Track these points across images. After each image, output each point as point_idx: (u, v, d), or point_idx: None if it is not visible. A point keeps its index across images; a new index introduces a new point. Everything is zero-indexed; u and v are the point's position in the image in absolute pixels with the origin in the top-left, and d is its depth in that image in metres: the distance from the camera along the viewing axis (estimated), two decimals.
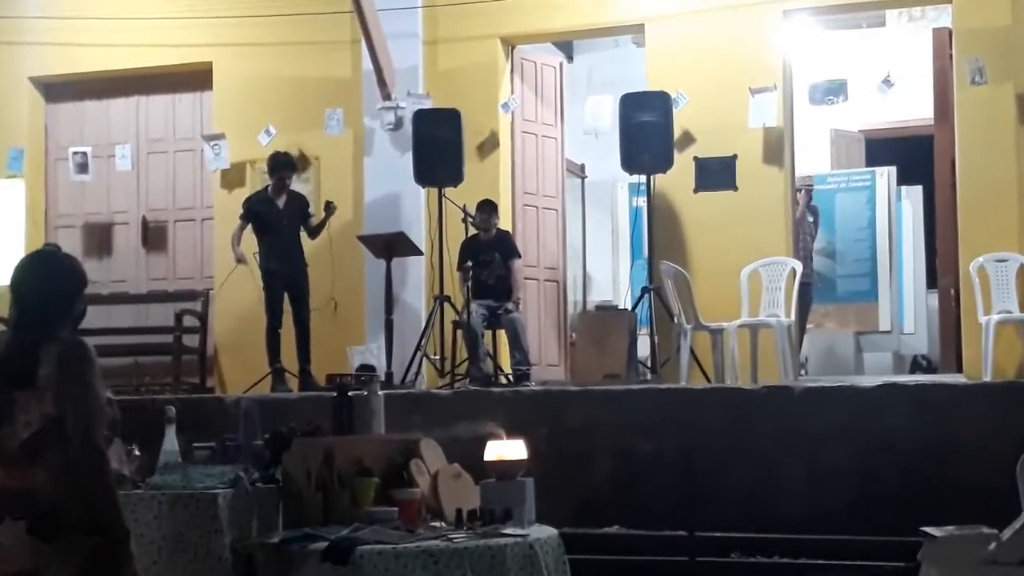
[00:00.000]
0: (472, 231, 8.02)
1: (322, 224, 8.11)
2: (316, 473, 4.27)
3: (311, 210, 8.15)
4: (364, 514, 4.14)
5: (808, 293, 9.04)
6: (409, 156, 8.23)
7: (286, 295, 7.99)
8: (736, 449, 6.03)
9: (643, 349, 8.18)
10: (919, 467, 5.92)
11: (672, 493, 6.05)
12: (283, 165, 8.10)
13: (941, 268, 9.19)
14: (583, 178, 11.23)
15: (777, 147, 8.30)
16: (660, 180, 8.24)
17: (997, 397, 6.03)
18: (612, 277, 10.92)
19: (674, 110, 8.02)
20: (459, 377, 7.71)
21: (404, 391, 6.87)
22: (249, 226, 8.06)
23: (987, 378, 7.04)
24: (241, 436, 4.61)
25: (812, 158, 10.42)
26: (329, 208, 8.08)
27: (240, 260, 8.04)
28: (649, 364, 8.04)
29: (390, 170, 8.56)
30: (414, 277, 8.48)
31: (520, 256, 8.10)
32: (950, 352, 8.88)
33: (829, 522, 5.81)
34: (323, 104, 8.84)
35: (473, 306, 7.63)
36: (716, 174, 8.32)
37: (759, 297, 7.92)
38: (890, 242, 10.07)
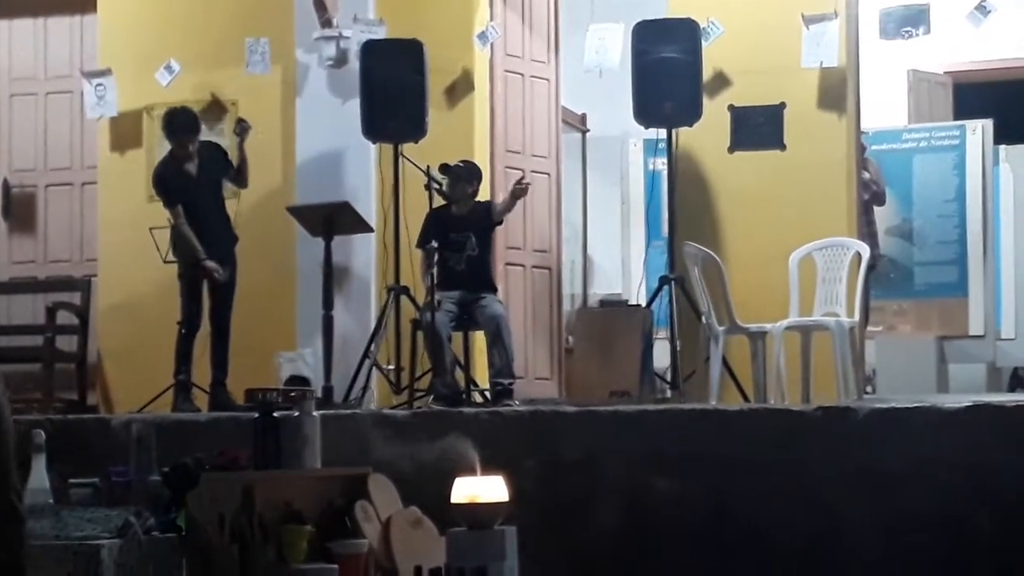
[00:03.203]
0: (440, 201, 8.04)
1: (243, 162, 8.09)
2: (231, 519, 4.27)
3: (230, 158, 8.16)
4: (294, 573, 4.14)
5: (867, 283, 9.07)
6: (355, 102, 8.23)
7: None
8: (784, 491, 6.04)
9: (662, 358, 8.20)
10: (1019, 513, 5.95)
11: (699, 550, 6.07)
12: (182, 128, 8.07)
13: None
14: (584, 132, 11.24)
15: (838, 93, 8.33)
16: (685, 136, 8.26)
17: None
18: (622, 263, 10.95)
19: (703, 44, 8.03)
20: (420, 393, 7.72)
21: (347, 411, 6.87)
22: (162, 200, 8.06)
23: None
24: (132, 469, 4.60)
25: (884, 108, 10.44)
26: (242, 128, 8.05)
27: (213, 271, 7.94)
28: (669, 378, 8.06)
29: (330, 120, 8.56)
30: (361, 261, 8.48)
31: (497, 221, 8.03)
32: None
33: None
34: (243, 32, 8.81)
35: (439, 300, 7.62)
36: (758, 128, 8.35)
37: (812, 291, 7.95)
38: (984, 219, 10.11)
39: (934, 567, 5.90)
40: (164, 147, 8.32)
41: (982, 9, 9.47)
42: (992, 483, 5.97)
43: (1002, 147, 10.46)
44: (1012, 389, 10.08)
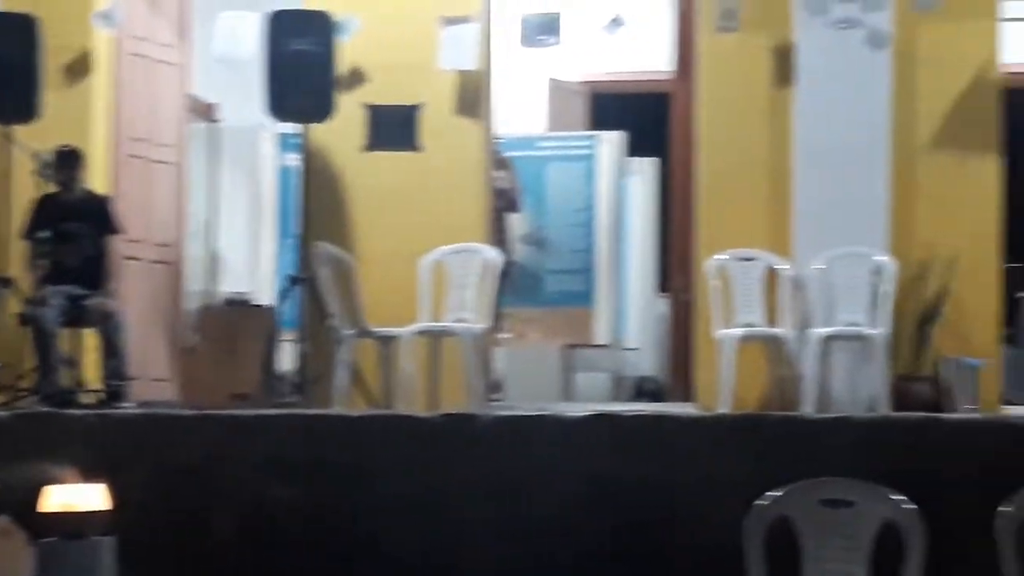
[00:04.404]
0: (52, 188, 7.75)
1: None
2: None
3: None
4: None
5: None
6: None
7: None
8: (407, 496, 6.08)
9: (289, 361, 8.13)
10: (639, 521, 6.17)
11: (319, 557, 6.03)
12: None
13: (674, 266, 9.67)
14: (214, 122, 11.05)
15: (474, 98, 8.46)
16: (319, 132, 8.22)
17: (731, 434, 6.38)
18: (252, 261, 10.80)
19: (340, 38, 8.01)
20: (23, 393, 7.46)
21: None
22: None
23: (724, 409, 7.45)
24: None
25: (525, 115, 10.70)
26: None
27: None
28: (296, 381, 8.00)
29: None
30: None
31: (121, 232, 7.86)
32: (680, 374, 9.36)
33: None
34: None
35: (47, 294, 7.41)
36: (393, 128, 8.39)
37: (443, 296, 8.05)
38: (613, 230, 10.47)
39: (555, 568, 6.05)
40: None
41: (617, 22, 9.87)
42: (612, 492, 6.18)
43: (634, 159, 10.86)
44: (636, 399, 10.45)
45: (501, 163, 9.89)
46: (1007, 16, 8.21)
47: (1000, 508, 4.57)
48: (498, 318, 9.16)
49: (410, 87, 8.41)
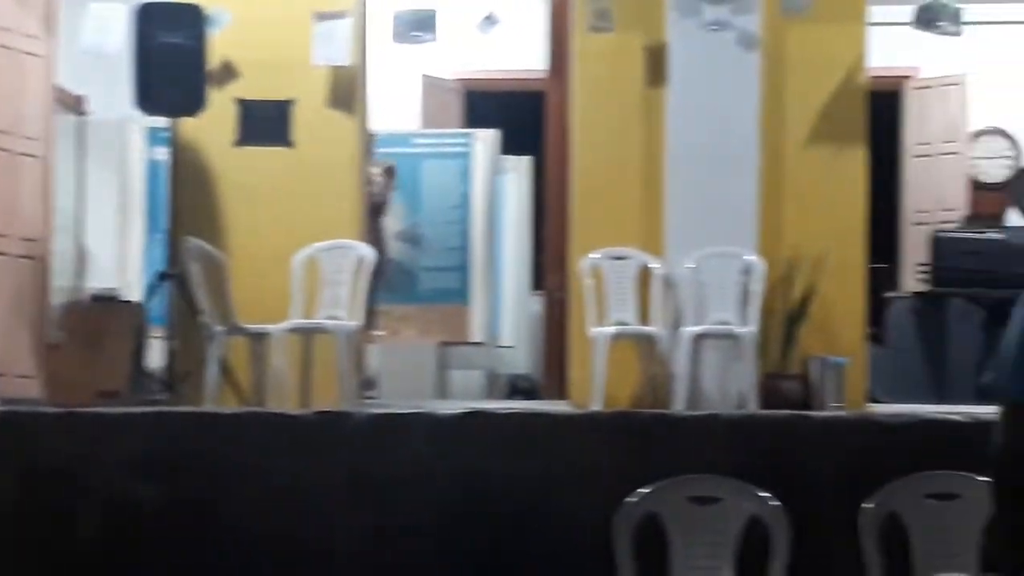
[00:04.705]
0: None
1: None
2: None
3: None
4: None
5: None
6: None
7: None
8: (278, 495, 6.04)
9: (158, 358, 8.04)
10: (513, 522, 6.20)
11: (187, 557, 5.97)
12: None
13: (548, 265, 9.73)
14: (82, 115, 10.88)
15: (348, 93, 8.42)
16: (189, 126, 8.13)
17: (604, 431, 6.44)
18: (120, 256, 10.66)
19: (211, 31, 7.94)
20: None
21: None
22: None
23: (596, 407, 7.52)
24: None
25: (399, 111, 10.69)
26: None
27: None
28: (165, 378, 7.91)
29: None
30: None
31: None
32: (554, 372, 9.42)
33: None
34: None
35: None
36: (266, 123, 8.33)
37: (316, 293, 8.01)
38: (488, 228, 10.51)
39: (428, 569, 6.06)
40: None
41: (490, 20, 9.91)
42: (485, 490, 6.20)
43: (508, 157, 10.90)
44: (510, 396, 10.50)
45: (388, 171, 9.92)
46: (874, 20, 8.38)
47: (864, 505, 4.67)
48: (372, 315, 9.15)
49: (283, 82, 8.35)
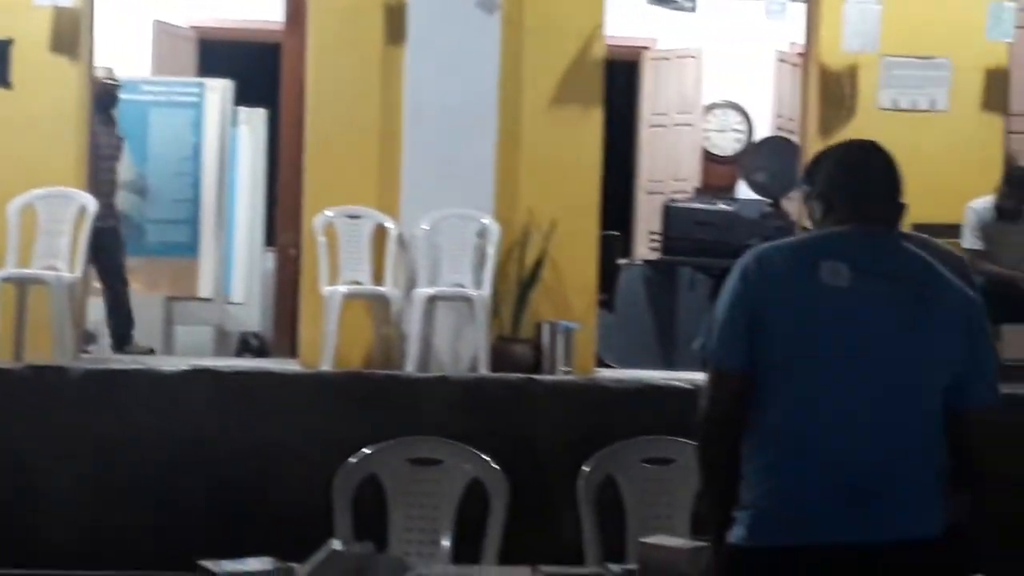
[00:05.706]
0: None
1: None
2: None
3: None
4: None
5: (112, 241, 8.99)
6: None
7: None
8: None
9: None
10: (234, 480, 6.17)
11: None
12: None
13: (281, 221, 9.65)
14: None
15: (72, 36, 8.15)
16: None
17: (333, 391, 6.45)
18: None
19: None
20: None
21: None
22: None
23: (326, 367, 7.51)
24: None
25: (130, 57, 10.42)
26: None
27: None
28: None
29: None
30: None
31: None
32: (285, 330, 9.37)
33: (114, 552, 5.87)
34: None
35: None
36: None
37: (33, 242, 7.78)
38: (220, 181, 10.34)
39: (146, 529, 5.99)
40: None
41: None
42: (208, 450, 6.16)
43: (242, 109, 10.74)
44: (239, 354, 10.39)
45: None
46: None
47: (582, 467, 4.79)
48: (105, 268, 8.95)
49: (4, 22, 8.04)
